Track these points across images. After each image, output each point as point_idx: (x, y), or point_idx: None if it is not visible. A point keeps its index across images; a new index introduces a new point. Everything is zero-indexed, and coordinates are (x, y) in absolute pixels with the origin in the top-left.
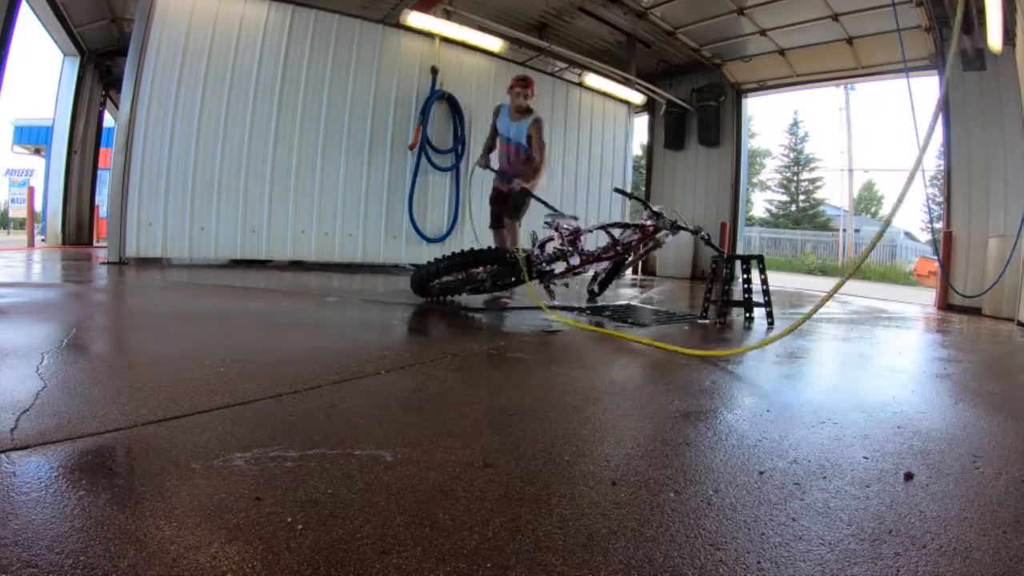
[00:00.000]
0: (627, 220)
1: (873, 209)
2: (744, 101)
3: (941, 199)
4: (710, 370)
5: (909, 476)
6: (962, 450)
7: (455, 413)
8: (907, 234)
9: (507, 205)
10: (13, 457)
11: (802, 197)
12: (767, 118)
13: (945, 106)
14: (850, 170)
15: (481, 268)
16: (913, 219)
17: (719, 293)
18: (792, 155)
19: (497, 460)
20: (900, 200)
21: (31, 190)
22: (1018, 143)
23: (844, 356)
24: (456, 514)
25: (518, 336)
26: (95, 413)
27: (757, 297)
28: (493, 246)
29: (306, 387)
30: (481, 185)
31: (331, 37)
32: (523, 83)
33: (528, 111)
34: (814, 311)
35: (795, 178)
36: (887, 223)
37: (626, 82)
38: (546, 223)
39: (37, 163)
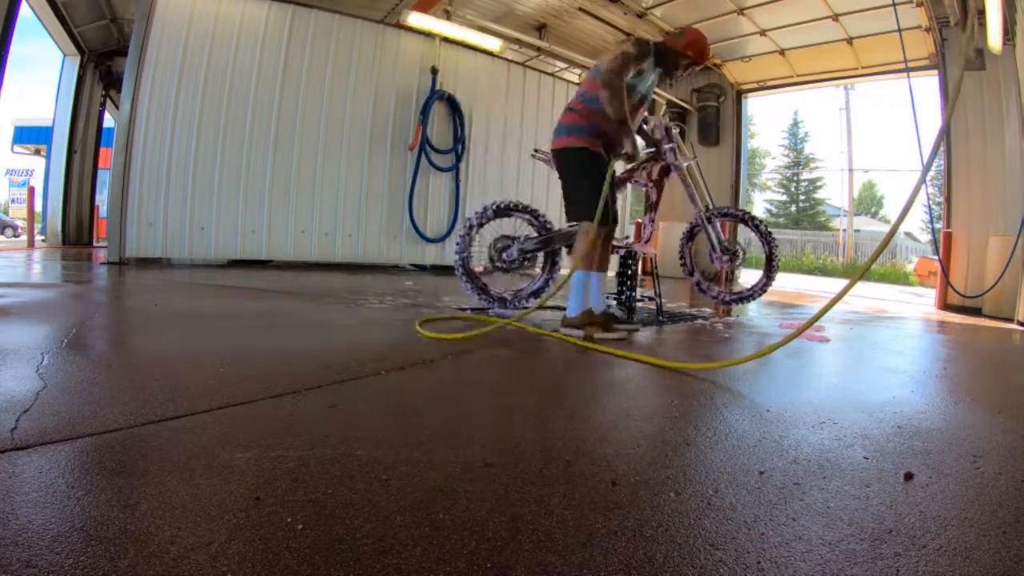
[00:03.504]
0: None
1: (873, 209)
2: (744, 101)
3: (941, 199)
4: (709, 371)
5: (909, 476)
6: (962, 450)
7: (455, 413)
8: (907, 234)
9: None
10: (13, 457)
11: (802, 197)
12: (767, 118)
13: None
14: (850, 170)
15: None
16: (913, 219)
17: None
18: (792, 155)
19: (497, 460)
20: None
21: (31, 190)
22: (1018, 143)
23: (844, 356)
24: (456, 514)
25: (517, 336)
26: (95, 413)
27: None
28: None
29: (306, 387)
30: (481, 188)
31: (331, 37)
32: None
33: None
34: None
35: (795, 178)
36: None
37: None
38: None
39: (37, 163)
